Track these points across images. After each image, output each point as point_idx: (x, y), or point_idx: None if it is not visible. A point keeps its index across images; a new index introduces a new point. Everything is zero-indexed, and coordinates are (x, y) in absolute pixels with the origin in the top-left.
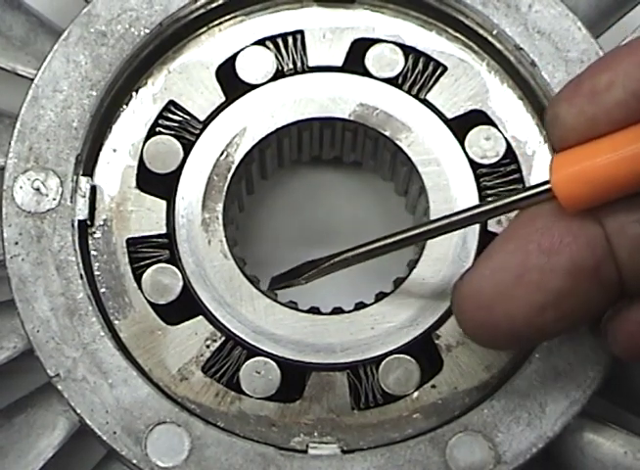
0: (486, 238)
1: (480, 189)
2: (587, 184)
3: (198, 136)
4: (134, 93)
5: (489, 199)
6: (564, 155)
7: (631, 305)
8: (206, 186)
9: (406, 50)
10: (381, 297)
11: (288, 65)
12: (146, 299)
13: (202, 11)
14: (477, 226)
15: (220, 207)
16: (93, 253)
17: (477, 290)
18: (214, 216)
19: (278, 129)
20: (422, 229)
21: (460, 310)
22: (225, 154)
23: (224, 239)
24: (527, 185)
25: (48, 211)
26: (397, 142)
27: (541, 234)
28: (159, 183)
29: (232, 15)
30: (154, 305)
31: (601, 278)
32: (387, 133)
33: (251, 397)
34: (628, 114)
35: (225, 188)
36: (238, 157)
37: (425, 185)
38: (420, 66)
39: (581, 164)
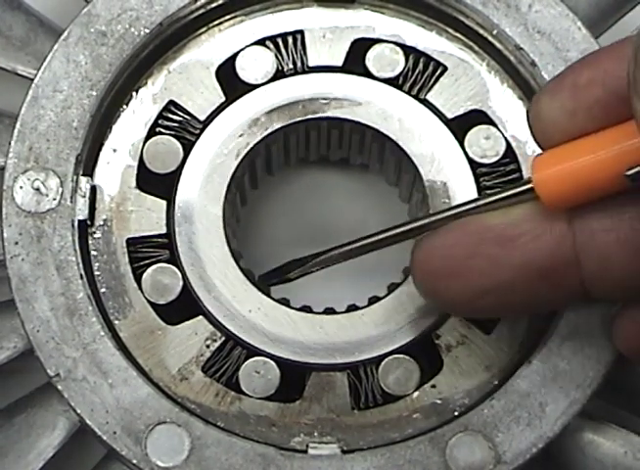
0: None
1: (480, 189)
2: (567, 184)
3: (198, 136)
4: (134, 93)
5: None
6: (546, 154)
7: (636, 305)
8: (206, 186)
9: (406, 50)
10: (381, 297)
11: (288, 65)
12: (146, 299)
13: (202, 11)
14: None
15: (220, 207)
16: (93, 253)
17: (427, 257)
18: (214, 217)
19: (275, 131)
20: (405, 227)
21: (412, 271)
22: (225, 154)
23: (224, 239)
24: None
25: (48, 211)
26: (397, 141)
27: (505, 226)
28: (159, 183)
29: (232, 15)
30: (154, 305)
31: (556, 281)
32: (387, 133)
33: (251, 397)
34: (608, 112)
35: (225, 189)
36: (238, 157)
37: (425, 185)
38: (420, 66)
39: (562, 164)
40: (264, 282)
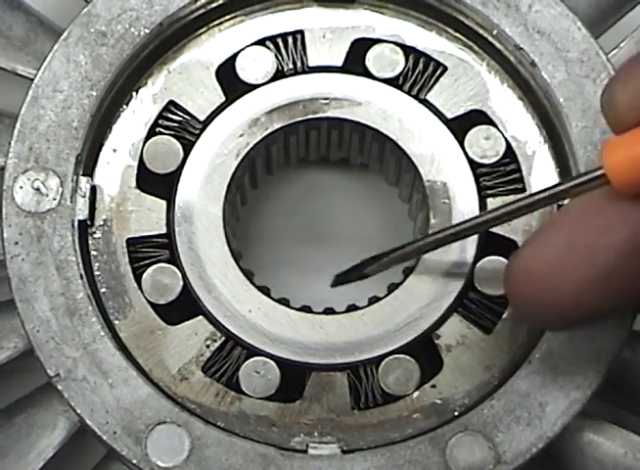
0: (486, 237)
1: (480, 189)
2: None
3: (198, 136)
4: (134, 93)
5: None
6: (615, 139)
7: None
8: (206, 186)
9: (406, 50)
10: (381, 297)
11: (288, 65)
12: (146, 299)
13: (202, 11)
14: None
15: (220, 207)
16: (93, 253)
17: (526, 264)
18: (214, 217)
19: (275, 131)
20: (474, 222)
21: (509, 284)
22: (225, 154)
23: (224, 239)
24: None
25: (48, 211)
26: (397, 141)
27: (593, 214)
28: (159, 183)
29: (232, 15)
30: (154, 305)
31: None
32: (387, 134)
33: (251, 397)
34: None
35: (225, 189)
36: (238, 157)
37: (425, 185)
38: (420, 66)
39: (634, 149)
40: (342, 280)
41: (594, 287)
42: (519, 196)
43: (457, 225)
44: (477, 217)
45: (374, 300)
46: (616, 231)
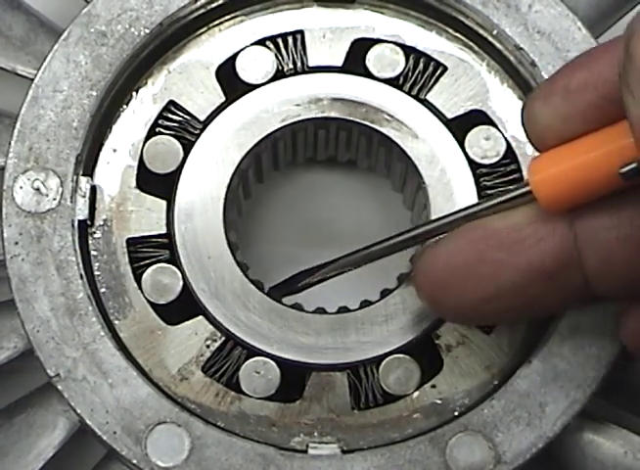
0: None
1: (480, 189)
2: (563, 185)
3: (198, 136)
4: (134, 93)
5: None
6: (542, 156)
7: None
8: (207, 186)
9: (406, 50)
10: (381, 297)
11: (288, 65)
12: (146, 299)
13: (202, 11)
14: None
15: (220, 207)
16: (93, 253)
17: (431, 266)
18: (214, 217)
19: (280, 129)
20: (408, 235)
21: (415, 281)
22: (226, 154)
23: (224, 239)
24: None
25: (48, 211)
26: (396, 140)
27: (508, 230)
28: (159, 183)
29: (232, 15)
30: (154, 305)
31: (560, 282)
32: (385, 132)
33: (251, 397)
34: (602, 114)
35: (225, 189)
36: (238, 156)
37: (425, 185)
38: (420, 66)
39: (557, 167)
40: (275, 293)
41: (493, 302)
42: (446, 210)
43: (389, 239)
44: (401, 234)
45: (374, 300)
46: (521, 252)
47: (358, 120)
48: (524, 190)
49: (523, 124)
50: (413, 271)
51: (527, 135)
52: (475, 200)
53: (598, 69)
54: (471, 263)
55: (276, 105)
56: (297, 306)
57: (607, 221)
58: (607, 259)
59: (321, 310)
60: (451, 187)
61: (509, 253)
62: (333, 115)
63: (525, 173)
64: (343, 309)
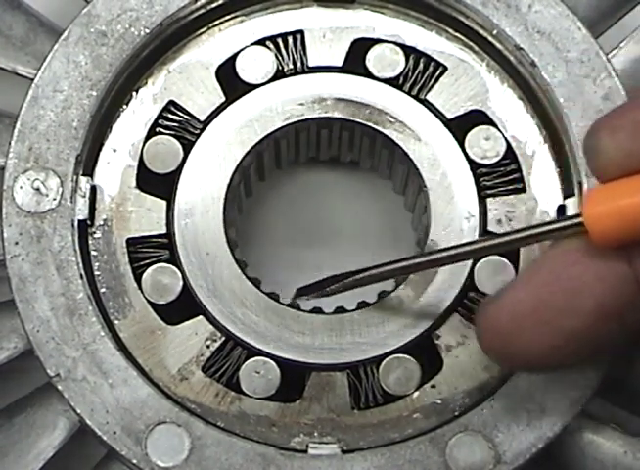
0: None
1: (480, 189)
2: (620, 221)
3: (198, 136)
4: (134, 93)
5: (516, 227)
6: (599, 189)
7: None
8: (207, 186)
9: (406, 50)
10: (381, 297)
11: (288, 65)
12: (146, 299)
13: (202, 11)
14: (476, 226)
15: (221, 207)
16: (93, 253)
17: (495, 317)
18: (215, 217)
19: (279, 129)
20: (445, 253)
21: (479, 333)
22: (226, 154)
23: (224, 238)
24: (555, 218)
25: (48, 211)
26: (397, 141)
27: (567, 273)
28: (159, 183)
29: (232, 15)
30: (154, 305)
31: (624, 320)
32: (386, 132)
33: (251, 397)
34: None
35: (225, 188)
36: (239, 156)
37: (425, 185)
38: (420, 66)
39: (616, 201)
40: (302, 295)
41: (562, 349)
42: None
43: (430, 254)
44: (440, 251)
45: (375, 300)
46: (586, 295)
47: (362, 121)
48: (574, 221)
49: (585, 152)
50: (476, 326)
51: (588, 164)
52: (474, 200)
53: None
54: (536, 312)
55: (280, 104)
56: (294, 306)
57: None
58: None
59: (318, 310)
60: (452, 190)
61: (573, 297)
62: (336, 115)
63: (525, 173)
64: (340, 310)
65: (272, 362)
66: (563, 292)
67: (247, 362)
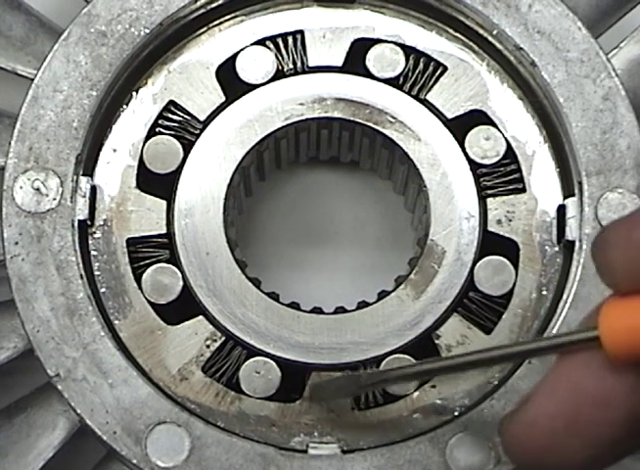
0: (486, 237)
1: (480, 189)
2: (637, 340)
3: (198, 136)
4: (134, 93)
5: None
6: (615, 302)
7: None
8: (207, 186)
9: (406, 50)
10: (381, 297)
11: (288, 65)
12: (146, 299)
13: (202, 11)
14: (476, 226)
15: (221, 207)
16: (93, 253)
17: (527, 434)
18: (215, 217)
19: (279, 129)
20: (453, 362)
21: (507, 449)
22: (226, 154)
23: (224, 238)
24: (572, 329)
25: (48, 211)
26: (397, 141)
27: (595, 383)
28: (159, 183)
29: (232, 15)
30: (154, 305)
31: None
32: (386, 132)
33: (251, 397)
34: None
35: (225, 188)
36: (239, 156)
37: (425, 185)
38: (420, 66)
39: (633, 319)
40: (316, 397)
41: (596, 458)
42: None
43: (437, 361)
44: (450, 358)
45: (375, 299)
46: (618, 404)
47: (362, 121)
48: (591, 334)
49: (594, 262)
50: (503, 442)
51: (598, 274)
52: (474, 200)
53: None
54: (569, 426)
55: (280, 104)
56: (294, 306)
57: None
58: None
59: (318, 310)
60: (452, 190)
61: (605, 409)
62: (336, 115)
63: (525, 173)
64: (340, 310)
65: (272, 362)
66: (593, 404)
67: (247, 362)
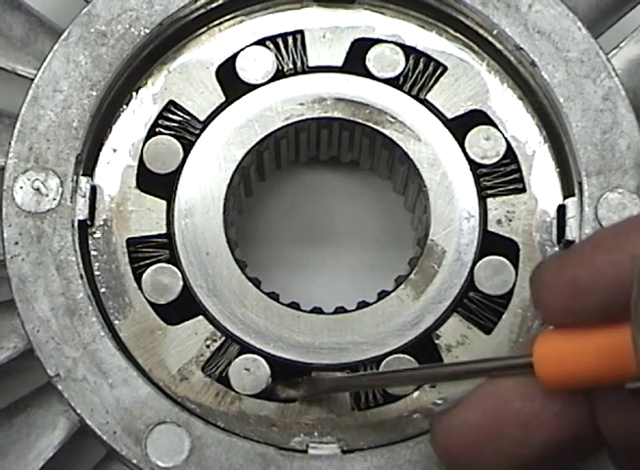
0: (486, 237)
1: (480, 189)
2: (567, 370)
3: (198, 136)
4: (134, 93)
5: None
6: (548, 333)
7: None
8: (207, 186)
9: (406, 50)
10: (381, 297)
11: (288, 65)
12: (146, 299)
13: (202, 11)
14: (476, 226)
15: (221, 207)
16: (93, 253)
17: (447, 436)
18: (215, 217)
19: (279, 129)
20: (411, 373)
21: (433, 445)
22: (226, 154)
23: (224, 238)
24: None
25: (48, 211)
26: (397, 141)
27: (522, 403)
28: (159, 183)
29: (232, 15)
30: (154, 305)
31: (580, 448)
32: (386, 132)
33: (251, 396)
34: (609, 314)
35: (225, 188)
36: (239, 156)
37: (425, 185)
38: (420, 66)
39: (562, 350)
40: (271, 392)
41: None
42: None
43: (405, 371)
44: (406, 370)
45: (375, 299)
46: (543, 428)
47: (362, 121)
48: (524, 361)
49: (531, 295)
50: (430, 437)
51: (534, 306)
52: (474, 200)
53: (602, 268)
54: (488, 439)
55: (279, 104)
56: (294, 306)
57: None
58: (624, 429)
59: (318, 310)
60: (452, 190)
61: (526, 429)
62: (336, 115)
63: (525, 173)
64: (340, 310)
65: (261, 359)
66: (515, 422)
67: (236, 360)
